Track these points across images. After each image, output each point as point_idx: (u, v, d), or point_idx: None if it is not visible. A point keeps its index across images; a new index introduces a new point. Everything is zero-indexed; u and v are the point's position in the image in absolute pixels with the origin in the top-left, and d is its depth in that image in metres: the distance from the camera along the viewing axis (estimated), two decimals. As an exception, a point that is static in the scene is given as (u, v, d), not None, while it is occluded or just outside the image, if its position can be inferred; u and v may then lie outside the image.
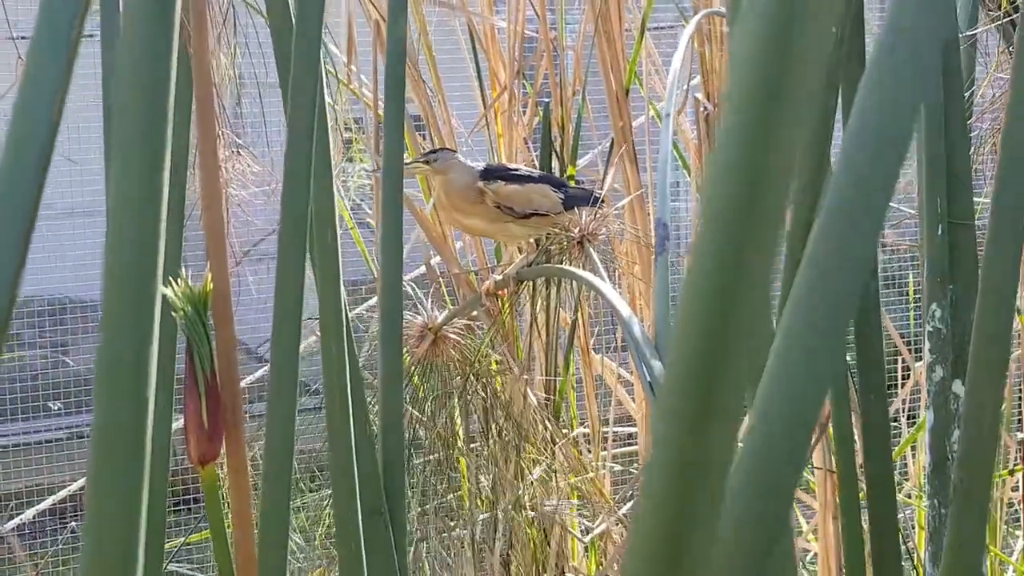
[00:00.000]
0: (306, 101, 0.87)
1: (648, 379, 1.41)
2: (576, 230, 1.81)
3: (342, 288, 1.01)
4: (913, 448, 2.71)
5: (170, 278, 1.02)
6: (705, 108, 2.24)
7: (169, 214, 1.08)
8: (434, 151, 1.87)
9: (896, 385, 2.94)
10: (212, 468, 0.97)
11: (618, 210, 2.27)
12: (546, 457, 2.13)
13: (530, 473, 2.11)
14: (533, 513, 2.12)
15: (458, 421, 2.14)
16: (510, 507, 2.10)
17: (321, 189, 0.99)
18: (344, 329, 1.00)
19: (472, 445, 2.12)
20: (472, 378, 2.03)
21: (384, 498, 1.13)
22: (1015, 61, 0.83)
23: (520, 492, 2.10)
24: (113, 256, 0.61)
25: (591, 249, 1.79)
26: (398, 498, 1.16)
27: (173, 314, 0.96)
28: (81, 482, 2.53)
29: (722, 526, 0.43)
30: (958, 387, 1.06)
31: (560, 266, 1.78)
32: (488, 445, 2.09)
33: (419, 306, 1.95)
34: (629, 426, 2.55)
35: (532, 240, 1.98)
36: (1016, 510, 2.55)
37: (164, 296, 1.02)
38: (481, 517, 2.12)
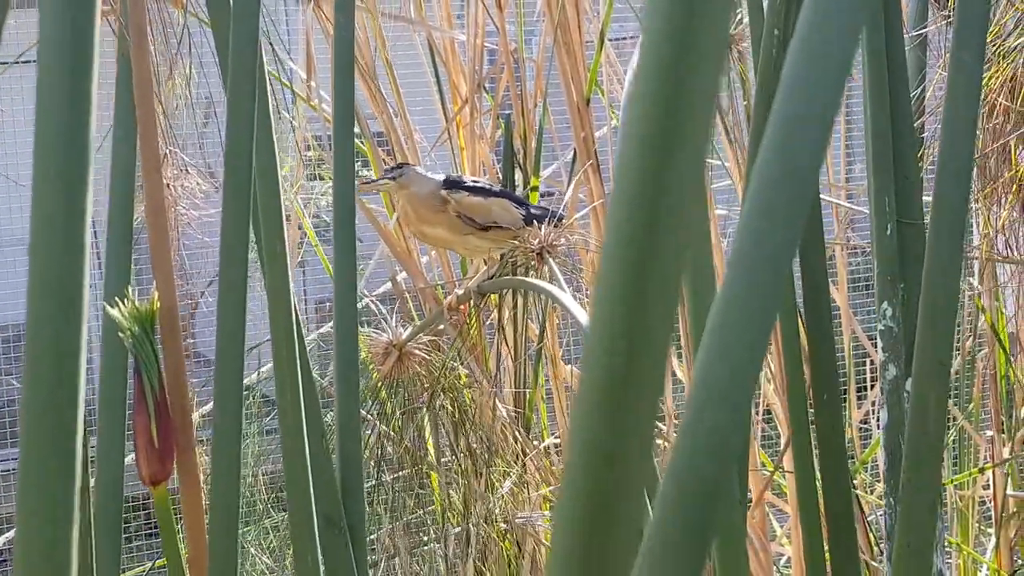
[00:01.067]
0: (244, 109, 0.87)
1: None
2: (536, 242, 1.82)
3: (293, 302, 1.01)
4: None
5: (116, 298, 1.01)
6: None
7: (116, 234, 1.08)
8: (397, 167, 1.87)
9: (865, 387, 2.95)
10: (163, 488, 0.97)
11: (583, 220, 2.28)
12: (517, 469, 2.12)
13: (501, 486, 2.11)
14: (505, 525, 2.11)
15: (428, 436, 2.13)
16: (482, 520, 2.10)
17: (269, 206, 0.99)
18: (295, 340, 0.99)
19: (442, 460, 2.12)
20: (440, 392, 2.02)
21: (343, 510, 1.13)
22: (951, 54, 0.84)
23: (491, 505, 2.09)
24: (36, 279, 0.61)
25: (551, 261, 1.80)
26: (357, 510, 1.15)
27: (119, 335, 0.96)
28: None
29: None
30: (911, 385, 1.06)
31: (521, 278, 1.78)
32: (458, 459, 2.09)
33: (384, 323, 1.94)
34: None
35: (495, 254, 1.98)
36: (988, 508, 2.56)
37: (111, 316, 1.02)
38: (453, 531, 2.12)
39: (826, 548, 1.09)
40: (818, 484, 1.14)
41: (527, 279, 1.75)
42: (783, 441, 2.30)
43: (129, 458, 1.11)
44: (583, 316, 1.53)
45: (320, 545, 1.06)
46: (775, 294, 0.51)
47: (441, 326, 2.04)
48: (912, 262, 1.09)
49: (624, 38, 3.02)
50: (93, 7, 0.60)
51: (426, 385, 1.98)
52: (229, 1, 1.08)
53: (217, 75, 2.08)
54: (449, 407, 2.04)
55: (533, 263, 1.85)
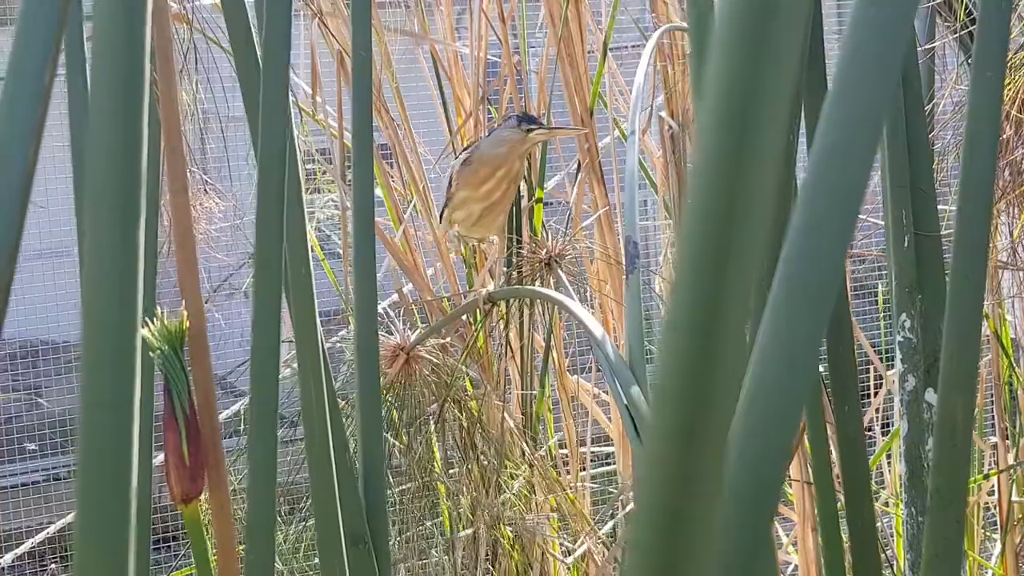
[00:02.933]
0: (276, 141, 0.88)
1: (623, 399, 1.42)
2: (544, 252, 1.83)
3: (318, 324, 1.02)
4: (888, 456, 2.73)
5: (145, 318, 1.02)
6: (670, 127, 2.26)
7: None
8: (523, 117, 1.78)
9: (868, 394, 2.96)
10: (195, 506, 0.97)
11: (587, 230, 2.29)
12: (525, 478, 2.13)
13: (509, 492, 2.11)
14: (512, 528, 2.12)
15: (435, 446, 2.14)
16: (490, 525, 2.10)
17: (294, 225, 0.99)
18: (322, 365, 1.00)
19: (450, 470, 2.13)
20: (449, 402, 2.03)
21: (367, 527, 1.14)
22: (972, 72, 0.85)
23: (498, 512, 2.10)
24: (91, 303, 0.62)
25: (559, 270, 1.80)
26: (381, 527, 1.16)
27: (150, 354, 0.96)
28: (60, 524, 2.51)
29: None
30: (931, 396, 1.07)
31: (532, 288, 1.78)
32: (466, 468, 2.10)
33: (392, 326, 1.94)
34: (607, 446, 2.55)
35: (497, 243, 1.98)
36: (993, 514, 2.57)
37: (141, 336, 1.02)
38: (462, 534, 2.12)
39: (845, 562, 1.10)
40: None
41: (539, 289, 1.76)
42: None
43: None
44: (596, 327, 1.54)
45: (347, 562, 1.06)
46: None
47: (447, 335, 2.05)
48: (930, 273, 1.11)
49: (625, 47, 3.03)
50: (144, 45, 0.61)
51: (433, 389, 1.97)
52: (249, 26, 1.10)
53: (213, 89, 2.09)
54: (458, 415, 2.04)
55: (542, 272, 1.86)
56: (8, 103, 0.61)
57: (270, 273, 0.87)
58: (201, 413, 0.97)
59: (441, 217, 1.86)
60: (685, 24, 2.27)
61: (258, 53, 1.07)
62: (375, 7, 2.21)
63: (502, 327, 2.24)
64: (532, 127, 1.73)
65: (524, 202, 2.23)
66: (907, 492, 1.06)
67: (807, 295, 0.53)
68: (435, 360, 1.96)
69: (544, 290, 1.73)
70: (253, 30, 1.04)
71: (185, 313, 0.98)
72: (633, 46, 3.10)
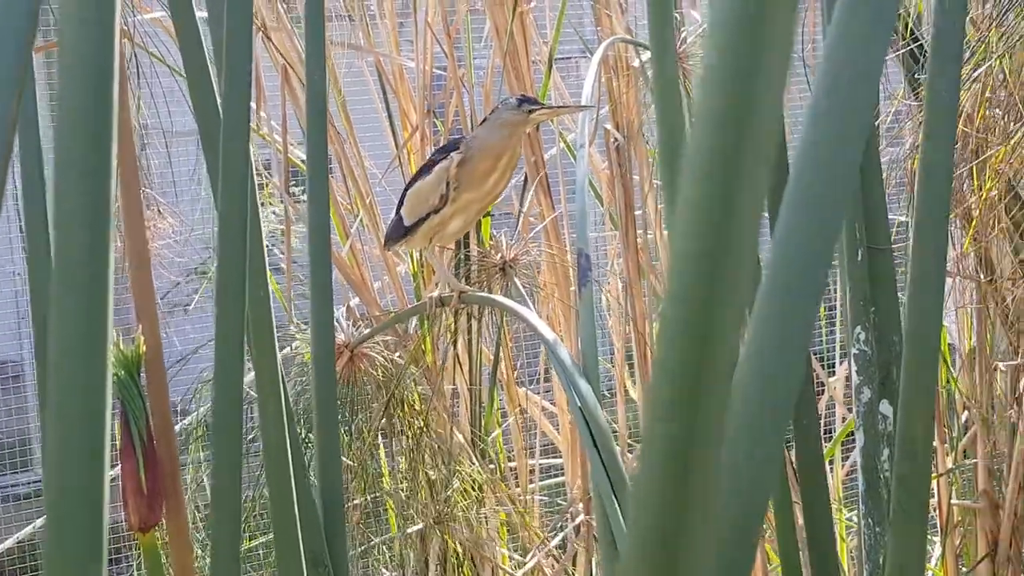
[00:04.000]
0: (238, 168, 0.87)
1: (577, 402, 1.42)
2: (498, 256, 1.81)
3: (276, 346, 1.01)
4: (831, 462, 2.76)
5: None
6: (616, 139, 2.27)
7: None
8: (523, 99, 1.71)
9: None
10: (152, 534, 0.96)
11: (535, 240, 2.29)
12: (473, 490, 2.12)
13: (459, 509, 2.10)
14: (461, 543, 2.11)
15: (382, 453, 2.13)
16: (440, 540, 2.09)
17: (254, 247, 0.98)
18: (281, 388, 0.99)
19: (399, 484, 2.11)
20: (393, 406, 2.01)
21: (327, 548, 1.13)
22: (928, 91, 0.86)
23: (447, 527, 2.08)
24: (61, 328, 0.61)
25: (515, 278, 1.80)
26: (340, 549, 1.15)
27: (106, 379, 0.95)
28: (9, 543, 2.46)
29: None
30: (885, 407, 1.08)
31: (493, 296, 1.76)
32: (415, 483, 2.08)
33: (338, 324, 1.91)
34: (555, 457, 2.56)
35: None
36: (933, 517, 2.61)
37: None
38: (411, 557, 2.11)
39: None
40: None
41: (496, 297, 1.75)
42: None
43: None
44: (549, 332, 1.54)
45: (307, 584, 1.05)
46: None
47: (394, 348, 2.03)
48: (882, 286, 1.12)
49: (569, 57, 3.04)
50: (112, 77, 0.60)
51: (380, 385, 1.95)
52: (200, 38, 1.08)
53: (157, 104, 2.06)
54: (407, 420, 2.02)
55: (496, 277, 1.84)
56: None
57: (232, 297, 0.86)
58: (159, 440, 0.95)
59: (405, 237, 1.74)
60: (628, 36, 2.29)
61: (211, 73, 1.06)
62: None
63: (450, 338, 2.24)
64: (534, 107, 1.65)
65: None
66: (864, 503, 1.07)
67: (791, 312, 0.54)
68: (379, 357, 1.94)
69: (503, 299, 1.71)
70: (208, 57, 1.02)
71: (141, 337, 0.96)
72: (575, 57, 3.11)
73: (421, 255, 2.26)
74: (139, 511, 0.94)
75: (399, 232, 1.74)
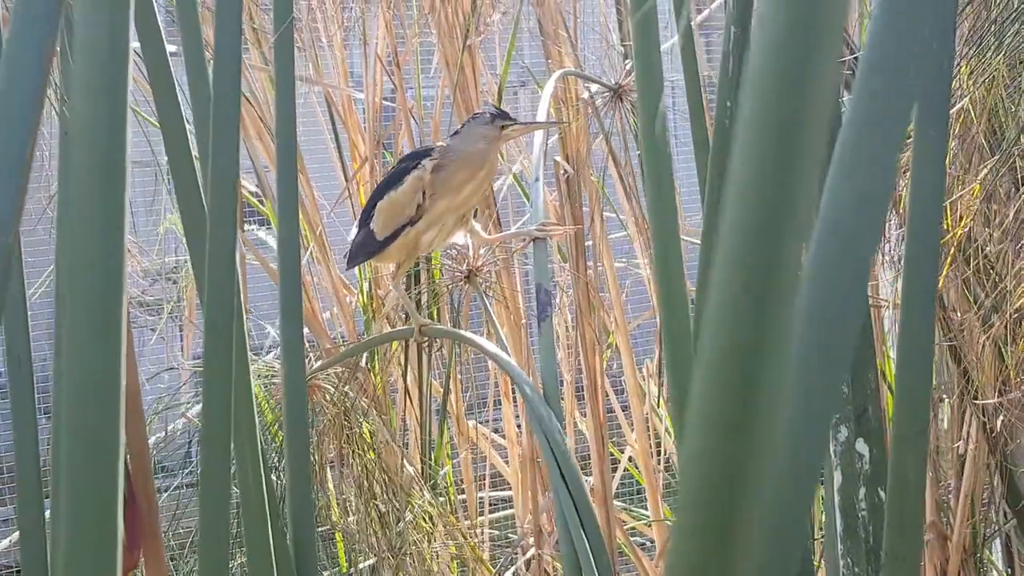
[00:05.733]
0: (227, 206, 0.85)
1: (545, 437, 1.42)
2: (464, 265, 1.80)
3: (253, 393, 0.99)
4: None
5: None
6: (565, 171, 2.28)
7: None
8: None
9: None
10: (128, 579, 0.93)
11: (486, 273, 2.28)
12: (426, 525, 2.10)
13: (409, 542, 2.08)
14: (414, 572, 2.08)
15: (330, 485, 2.10)
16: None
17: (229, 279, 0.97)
18: (256, 436, 0.97)
19: (348, 516, 2.09)
20: (343, 440, 1.99)
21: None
22: (915, 133, 0.87)
23: (399, 563, 2.06)
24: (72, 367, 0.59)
25: (486, 303, 1.78)
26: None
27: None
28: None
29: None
30: (861, 446, 1.09)
31: (462, 332, 1.74)
32: (365, 516, 2.06)
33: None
34: (504, 490, 2.54)
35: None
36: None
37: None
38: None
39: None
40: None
41: (463, 333, 1.73)
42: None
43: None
44: (516, 367, 1.54)
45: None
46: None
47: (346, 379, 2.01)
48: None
49: (510, 85, 3.04)
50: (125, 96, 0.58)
51: (331, 418, 1.93)
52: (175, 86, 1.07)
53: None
54: (356, 452, 2.00)
55: (460, 284, 1.82)
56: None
57: (221, 336, 0.84)
58: (137, 483, 0.93)
59: (377, 252, 1.67)
60: (576, 69, 2.29)
61: (183, 112, 1.04)
62: (267, 50, 2.18)
63: (399, 371, 2.22)
64: (506, 123, 1.63)
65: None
66: (843, 543, 1.07)
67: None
68: (333, 389, 1.92)
69: (476, 338, 1.69)
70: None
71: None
72: (514, 85, 3.11)
73: (371, 287, 2.25)
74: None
75: (370, 247, 1.67)
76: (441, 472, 2.29)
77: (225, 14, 0.92)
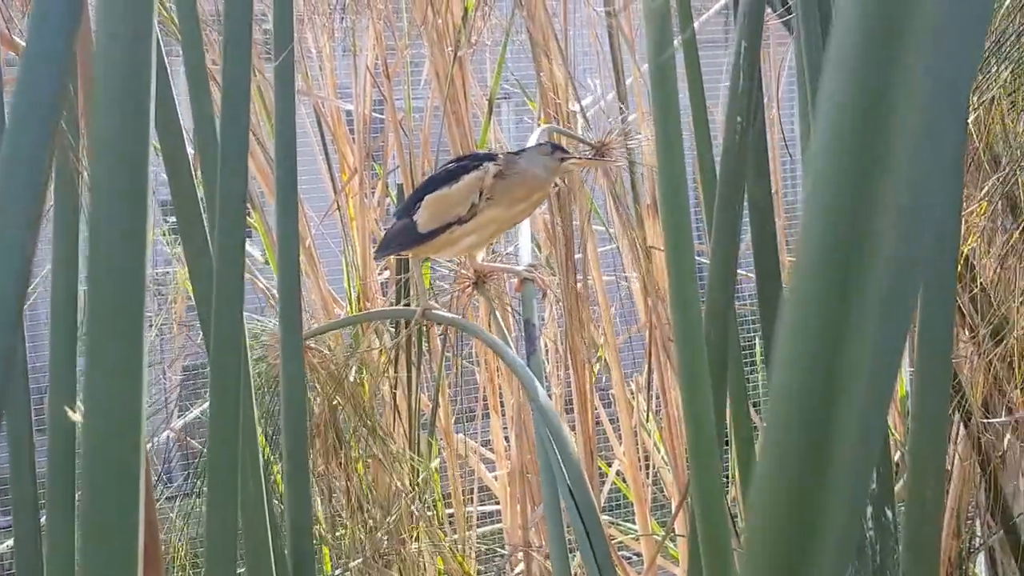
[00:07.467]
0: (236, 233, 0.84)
1: (556, 457, 1.40)
2: (471, 271, 1.79)
3: (257, 425, 0.97)
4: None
5: (67, 404, 0.96)
6: (556, 185, 2.27)
7: (60, 336, 1.03)
8: (556, 146, 1.69)
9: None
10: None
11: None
12: (413, 538, 2.09)
13: (398, 555, 2.07)
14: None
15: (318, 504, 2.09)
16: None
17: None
18: (261, 468, 0.96)
19: (338, 530, 2.07)
20: (329, 454, 1.97)
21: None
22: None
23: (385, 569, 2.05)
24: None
25: (493, 307, 1.78)
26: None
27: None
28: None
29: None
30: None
31: (464, 320, 1.73)
32: (353, 527, 2.05)
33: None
34: (492, 504, 2.53)
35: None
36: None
37: (69, 421, 0.96)
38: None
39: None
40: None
41: (468, 322, 1.72)
42: (674, 505, 2.33)
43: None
44: (529, 375, 1.53)
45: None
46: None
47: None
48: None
49: (498, 97, 3.04)
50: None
51: (322, 385, 1.91)
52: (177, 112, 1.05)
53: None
54: (342, 467, 1.99)
55: (467, 291, 1.81)
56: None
57: (230, 354, 0.83)
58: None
59: (416, 245, 1.65)
60: (561, 127, 2.27)
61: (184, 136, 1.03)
62: (258, 59, 2.17)
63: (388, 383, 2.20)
64: (566, 156, 1.65)
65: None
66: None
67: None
68: (324, 352, 1.91)
69: (484, 332, 1.67)
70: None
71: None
72: (505, 96, 3.11)
73: (360, 299, 2.23)
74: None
75: (409, 239, 1.66)
76: (428, 487, 2.27)
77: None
